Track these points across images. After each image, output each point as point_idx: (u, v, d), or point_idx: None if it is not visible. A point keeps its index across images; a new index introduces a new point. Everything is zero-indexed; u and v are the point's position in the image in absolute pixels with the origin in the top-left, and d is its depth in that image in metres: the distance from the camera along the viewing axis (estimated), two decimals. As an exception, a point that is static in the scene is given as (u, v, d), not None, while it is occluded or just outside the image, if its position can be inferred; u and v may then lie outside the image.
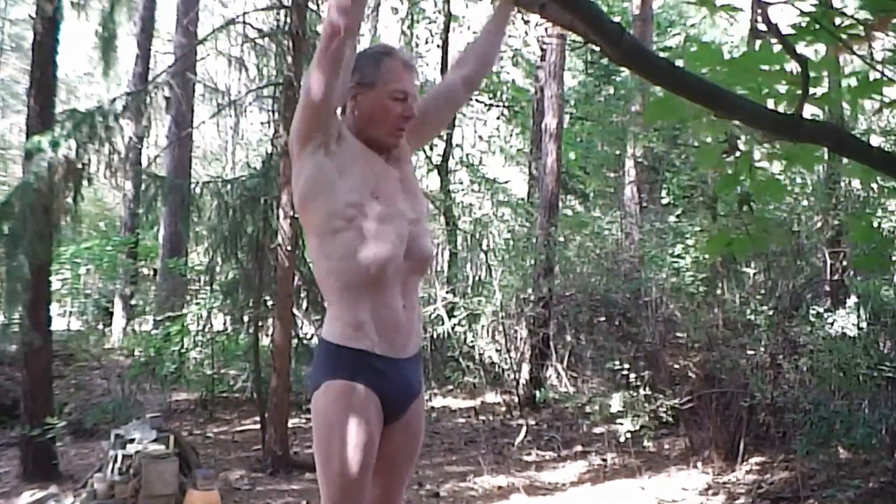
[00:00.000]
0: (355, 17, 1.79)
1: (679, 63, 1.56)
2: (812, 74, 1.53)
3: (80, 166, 4.87)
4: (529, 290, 7.34)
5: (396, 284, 1.86)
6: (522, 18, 9.47)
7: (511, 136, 13.35)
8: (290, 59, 5.40)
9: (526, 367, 7.24)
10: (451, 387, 7.95)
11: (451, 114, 2.38)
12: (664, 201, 8.03)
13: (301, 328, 7.04)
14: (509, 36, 12.03)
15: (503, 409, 7.19)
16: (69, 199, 4.92)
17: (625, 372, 5.40)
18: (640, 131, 8.13)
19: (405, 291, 1.89)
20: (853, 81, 1.66)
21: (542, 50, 8.43)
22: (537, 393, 6.59)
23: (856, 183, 5.80)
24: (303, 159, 1.85)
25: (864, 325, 4.91)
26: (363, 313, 1.82)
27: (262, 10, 6.54)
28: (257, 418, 5.91)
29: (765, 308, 5.04)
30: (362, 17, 1.90)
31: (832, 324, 4.94)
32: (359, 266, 1.81)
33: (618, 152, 10.12)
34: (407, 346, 1.90)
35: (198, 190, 6.31)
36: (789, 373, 4.88)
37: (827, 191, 5.56)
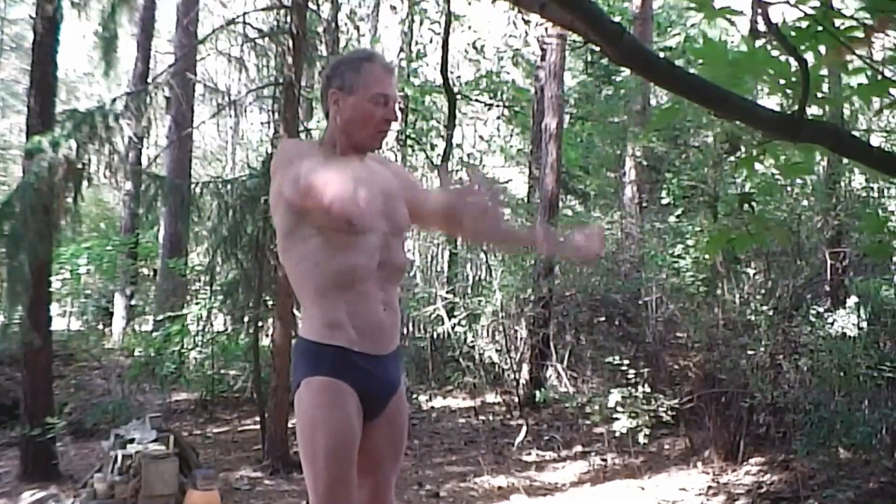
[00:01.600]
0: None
1: (679, 63, 1.56)
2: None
3: (80, 166, 4.87)
4: (529, 290, 7.34)
5: (373, 288, 1.89)
6: (523, 18, 9.47)
7: (511, 136, 13.35)
8: (290, 59, 5.40)
9: (526, 367, 7.24)
10: (451, 387, 7.94)
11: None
12: (664, 201, 8.03)
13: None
14: (509, 36, 12.06)
15: (503, 409, 7.18)
16: (69, 200, 4.93)
17: (623, 369, 5.40)
18: (640, 131, 8.13)
19: (384, 294, 1.92)
20: (860, 80, 1.65)
21: (542, 50, 8.42)
22: (537, 393, 6.59)
23: (856, 183, 5.81)
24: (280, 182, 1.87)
25: (864, 325, 4.92)
26: (339, 314, 1.85)
27: (262, 10, 6.55)
28: (257, 418, 5.91)
29: (765, 308, 5.04)
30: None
31: (832, 324, 4.95)
32: (329, 272, 1.84)
33: (618, 152, 10.13)
34: (389, 344, 1.94)
35: (198, 190, 6.30)
36: (789, 373, 4.88)
37: (827, 191, 5.57)
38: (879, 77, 1.62)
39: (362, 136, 1.93)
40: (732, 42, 1.64)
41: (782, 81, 1.64)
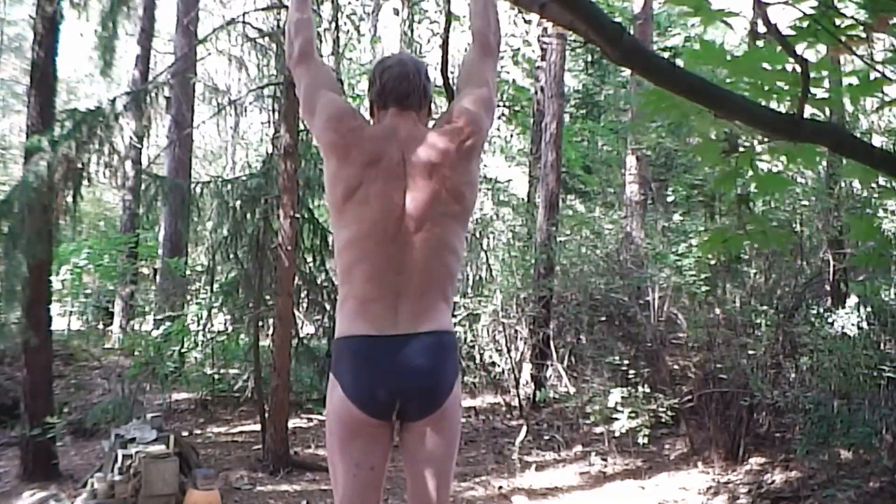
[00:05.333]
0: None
1: (679, 63, 1.56)
2: (812, 75, 1.53)
3: (79, 166, 4.86)
4: (529, 290, 7.33)
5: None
6: (523, 18, 9.47)
7: (511, 135, 13.34)
8: (290, 59, 5.39)
9: (526, 367, 7.23)
10: (451, 387, 7.93)
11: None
12: (668, 199, 8.03)
13: (301, 328, 7.04)
14: (510, 36, 12.04)
15: (503, 409, 7.18)
16: (68, 199, 4.92)
17: (623, 369, 5.40)
18: (641, 131, 8.12)
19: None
20: (853, 80, 1.65)
21: (542, 50, 8.42)
22: (537, 393, 6.59)
23: (856, 183, 5.80)
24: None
25: (864, 325, 4.91)
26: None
27: (262, 10, 6.53)
28: (257, 418, 5.91)
29: (766, 308, 5.03)
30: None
31: (832, 324, 4.94)
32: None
33: (618, 153, 10.13)
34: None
35: (198, 190, 6.31)
36: (790, 373, 4.88)
37: (827, 191, 5.56)
38: (876, 76, 1.62)
39: None
40: (733, 43, 1.64)
41: (781, 84, 1.64)
